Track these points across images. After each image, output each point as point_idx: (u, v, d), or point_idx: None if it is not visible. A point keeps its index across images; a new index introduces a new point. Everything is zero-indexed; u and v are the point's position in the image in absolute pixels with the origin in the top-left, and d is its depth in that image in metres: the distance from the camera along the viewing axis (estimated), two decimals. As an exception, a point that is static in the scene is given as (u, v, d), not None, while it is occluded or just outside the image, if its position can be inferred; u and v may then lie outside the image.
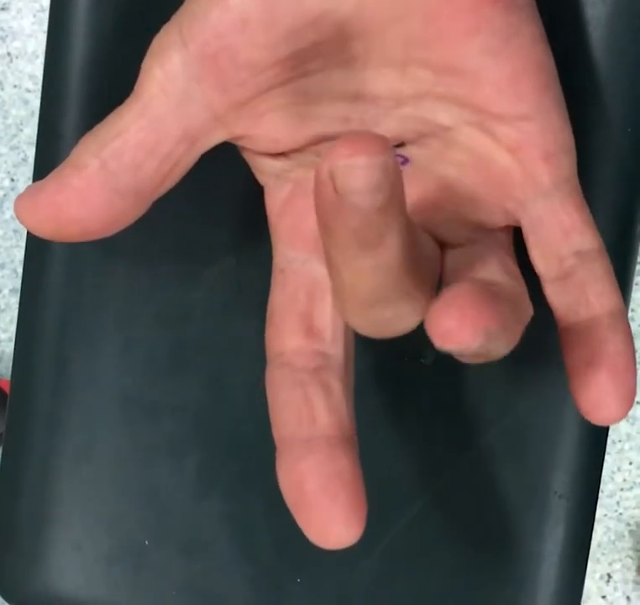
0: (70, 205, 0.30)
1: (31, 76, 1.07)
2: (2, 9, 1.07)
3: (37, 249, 0.38)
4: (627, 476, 1.02)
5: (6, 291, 1.11)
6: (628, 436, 1.02)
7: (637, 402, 1.02)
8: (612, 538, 1.03)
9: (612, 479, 1.02)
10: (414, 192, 0.32)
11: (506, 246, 0.33)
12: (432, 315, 0.26)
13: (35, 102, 1.07)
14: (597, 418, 0.30)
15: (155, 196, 0.32)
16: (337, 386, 0.31)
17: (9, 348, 1.12)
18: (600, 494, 1.02)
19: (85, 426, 0.38)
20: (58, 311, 0.38)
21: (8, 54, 1.08)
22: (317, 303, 0.32)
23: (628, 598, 1.03)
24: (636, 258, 0.38)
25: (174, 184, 0.32)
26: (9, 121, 1.07)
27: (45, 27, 1.07)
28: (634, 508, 1.02)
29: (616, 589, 1.03)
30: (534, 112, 0.31)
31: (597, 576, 1.03)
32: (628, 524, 1.03)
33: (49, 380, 0.38)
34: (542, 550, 0.38)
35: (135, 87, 0.31)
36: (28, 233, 0.38)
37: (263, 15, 0.29)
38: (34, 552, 0.39)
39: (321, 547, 0.30)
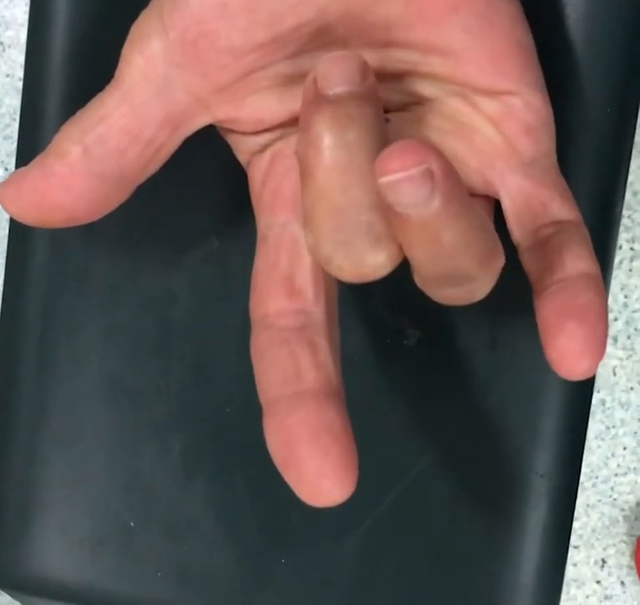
0: (54, 192, 0.31)
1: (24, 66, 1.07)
2: (-5, -1, 1.07)
3: (20, 235, 0.38)
4: (621, 461, 1.03)
5: (1, 281, 1.11)
6: (622, 421, 1.02)
7: (631, 388, 1.02)
8: (606, 523, 1.03)
9: (606, 464, 1.03)
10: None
11: (486, 209, 0.33)
12: (379, 155, 0.26)
13: (28, 91, 1.06)
14: (566, 369, 0.29)
15: (139, 180, 0.32)
16: (322, 343, 0.31)
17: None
18: (594, 480, 1.03)
19: (69, 410, 0.38)
20: (41, 296, 0.38)
21: (1, 43, 1.07)
22: (298, 264, 0.32)
23: (623, 583, 1.04)
24: (616, 240, 0.38)
25: (157, 168, 0.32)
26: (2, 110, 1.07)
27: (38, 16, 1.07)
28: (628, 494, 1.03)
29: (610, 574, 1.04)
30: (516, 87, 0.31)
31: (592, 561, 1.04)
32: (622, 510, 1.03)
33: (32, 364, 0.38)
34: (525, 530, 0.38)
35: (116, 74, 0.31)
36: (10, 218, 0.38)
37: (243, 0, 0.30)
38: (20, 536, 0.39)
39: (312, 505, 0.28)
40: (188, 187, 0.37)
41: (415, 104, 0.33)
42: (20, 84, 1.08)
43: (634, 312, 1.03)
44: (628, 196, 1.01)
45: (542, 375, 0.37)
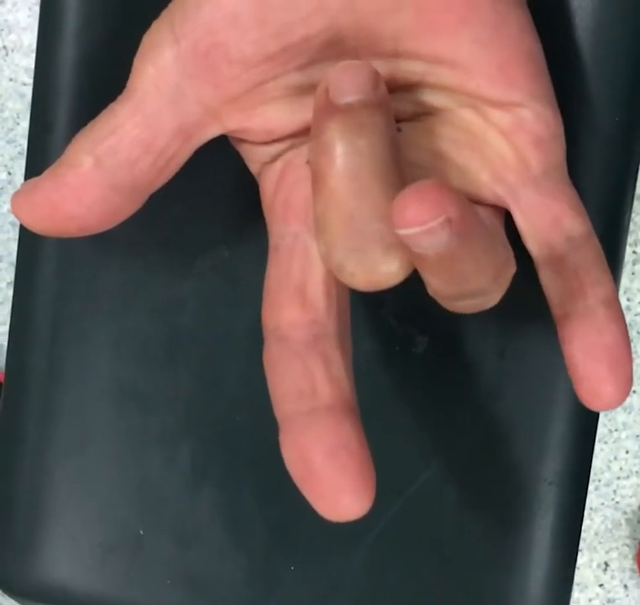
0: (67, 203, 0.31)
1: (27, 70, 1.07)
2: (-2, 2, 1.07)
3: (30, 241, 0.38)
4: (624, 464, 1.03)
5: (3, 285, 1.11)
6: (625, 425, 1.02)
7: (634, 391, 1.02)
8: (609, 526, 1.03)
9: (609, 468, 1.03)
10: (405, 158, 0.33)
11: (496, 222, 0.33)
12: (395, 202, 0.26)
13: (31, 95, 1.06)
14: (597, 406, 0.31)
15: (151, 190, 0.32)
16: (336, 356, 0.31)
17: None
18: (597, 483, 1.03)
19: (78, 417, 0.38)
20: (51, 302, 0.38)
21: (4, 47, 1.08)
22: (310, 274, 0.32)
23: (625, 586, 1.04)
24: (624, 247, 0.38)
25: (169, 178, 0.32)
26: (6, 114, 1.07)
27: (41, 20, 1.07)
28: (631, 497, 1.03)
29: (613, 577, 1.04)
30: (526, 99, 0.31)
31: (594, 564, 1.04)
32: (625, 513, 1.03)
33: (42, 371, 0.38)
34: (533, 537, 0.38)
35: (128, 84, 0.31)
36: (21, 225, 0.38)
37: (254, 11, 0.30)
38: (29, 543, 0.39)
39: (331, 519, 0.29)
40: (198, 196, 0.37)
41: (426, 114, 0.33)
42: (23, 88, 1.08)
43: (637, 315, 1.03)
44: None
45: (551, 383, 0.37)
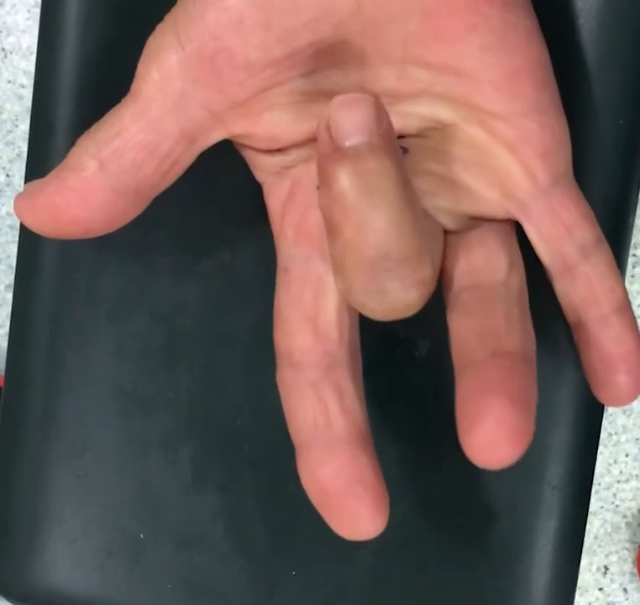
0: (71, 206, 0.31)
1: (26, 72, 1.07)
2: (-4, 4, 1.07)
3: (30, 244, 0.38)
4: (624, 468, 1.03)
5: (2, 287, 1.11)
6: (624, 428, 1.02)
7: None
8: (609, 530, 1.03)
9: (609, 471, 1.03)
10: (413, 182, 0.33)
11: (508, 233, 0.33)
12: (465, 427, 0.29)
13: (30, 97, 1.06)
14: (615, 405, 0.33)
15: (155, 194, 0.32)
16: (348, 386, 0.32)
17: (6, 343, 1.11)
18: (597, 486, 1.03)
19: (79, 420, 0.38)
20: (51, 305, 0.38)
21: (3, 49, 1.07)
22: (323, 303, 0.32)
23: (625, 590, 1.04)
24: (628, 250, 0.38)
25: (173, 182, 0.32)
26: (4, 116, 1.07)
27: (40, 22, 1.06)
28: (631, 500, 1.03)
29: (612, 581, 1.04)
30: (532, 109, 0.31)
31: (594, 568, 1.03)
32: (625, 516, 1.03)
33: (42, 374, 0.38)
34: (536, 542, 0.38)
35: (132, 88, 0.31)
36: (21, 227, 0.38)
37: (259, 16, 0.29)
38: (29, 546, 0.39)
39: (349, 539, 0.32)
40: (200, 199, 0.37)
41: (432, 129, 0.32)
42: (22, 90, 1.08)
43: (637, 318, 1.03)
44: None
45: (554, 387, 0.37)
